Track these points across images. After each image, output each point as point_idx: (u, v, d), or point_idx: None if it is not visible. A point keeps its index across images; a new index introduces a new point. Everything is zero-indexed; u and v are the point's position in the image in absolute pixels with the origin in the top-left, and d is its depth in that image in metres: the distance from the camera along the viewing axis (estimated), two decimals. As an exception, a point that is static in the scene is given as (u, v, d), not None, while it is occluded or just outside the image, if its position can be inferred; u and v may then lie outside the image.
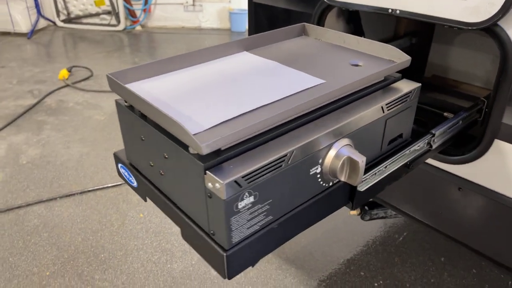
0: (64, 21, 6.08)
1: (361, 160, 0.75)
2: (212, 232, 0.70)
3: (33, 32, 5.74)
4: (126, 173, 0.92)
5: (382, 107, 0.84)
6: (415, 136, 1.00)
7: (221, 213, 0.64)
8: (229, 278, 0.72)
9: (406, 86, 0.91)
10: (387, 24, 1.64)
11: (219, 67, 0.93)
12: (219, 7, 5.98)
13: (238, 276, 2.02)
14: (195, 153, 0.65)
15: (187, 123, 0.69)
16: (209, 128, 0.69)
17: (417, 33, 1.67)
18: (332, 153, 0.77)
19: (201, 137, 0.65)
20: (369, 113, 0.82)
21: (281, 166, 0.69)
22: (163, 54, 5.31)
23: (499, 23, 0.95)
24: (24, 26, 5.66)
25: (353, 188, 0.86)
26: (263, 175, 0.67)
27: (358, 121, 0.81)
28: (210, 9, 6.07)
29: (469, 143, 1.12)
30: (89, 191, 2.67)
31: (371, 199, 1.60)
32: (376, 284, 1.99)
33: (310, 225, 0.83)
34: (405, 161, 0.97)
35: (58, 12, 6.04)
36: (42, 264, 2.12)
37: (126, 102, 0.80)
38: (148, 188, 0.85)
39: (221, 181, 0.61)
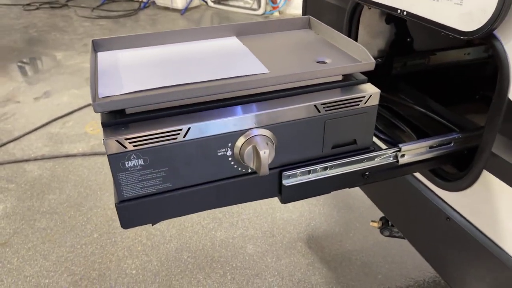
0: (214, 2, 6.68)
1: (263, 151, 0.76)
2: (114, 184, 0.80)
3: (186, 9, 6.46)
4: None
5: (316, 106, 0.81)
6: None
7: (111, 167, 0.74)
8: (123, 228, 0.82)
9: (363, 90, 0.85)
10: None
11: (194, 47, 1.01)
12: (358, 0, 5.82)
13: (268, 260, 2.09)
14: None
15: (111, 87, 0.80)
16: (127, 93, 0.78)
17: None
18: (242, 139, 0.79)
19: (108, 99, 0.76)
20: (299, 109, 0.81)
21: (175, 139, 0.75)
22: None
23: (495, 32, 0.80)
24: (180, 3, 6.42)
25: (280, 181, 0.87)
26: (153, 143, 0.74)
27: (283, 115, 0.80)
28: (350, 2, 5.94)
29: (464, 167, 0.97)
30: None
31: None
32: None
33: (226, 204, 0.87)
34: (361, 169, 0.91)
35: (211, -7, 6.66)
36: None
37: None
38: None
39: (104, 138, 0.71)
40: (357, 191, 2.59)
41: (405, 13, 1.00)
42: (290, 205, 2.49)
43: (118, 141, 0.72)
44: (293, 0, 6.26)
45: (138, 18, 6.22)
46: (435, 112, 1.22)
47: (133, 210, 0.80)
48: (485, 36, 0.81)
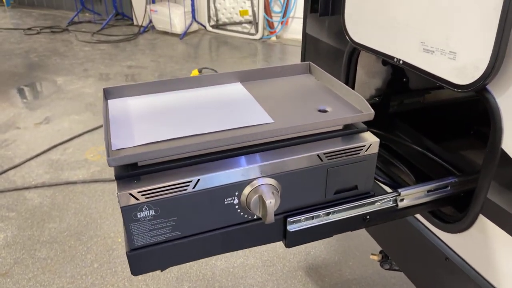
0: (212, 26, 6.81)
1: (269, 201, 0.80)
2: (125, 234, 0.83)
3: (185, 34, 6.58)
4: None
5: (319, 155, 0.86)
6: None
7: (124, 218, 0.78)
8: (133, 275, 0.84)
9: (363, 139, 0.89)
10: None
11: (200, 94, 1.05)
12: (354, 26, 5.95)
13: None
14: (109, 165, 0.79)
15: (123, 139, 0.84)
16: (139, 146, 0.82)
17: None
18: (248, 189, 0.83)
19: (121, 152, 0.79)
20: (303, 159, 0.85)
21: (185, 190, 0.79)
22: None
23: (489, 87, 0.85)
24: (179, 28, 6.53)
25: (285, 226, 0.90)
26: (164, 195, 0.78)
27: (288, 165, 0.84)
28: (345, 27, 6.07)
29: (461, 210, 1.01)
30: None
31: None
32: None
33: (234, 249, 0.90)
34: (362, 214, 0.94)
35: (209, 18, 6.79)
36: (118, 231, 2.51)
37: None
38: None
39: (118, 192, 0.74)
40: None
41: (401, 62, 1.05)
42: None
43: (131, 194, 0.75)
44: (290, 25, 6.40)
45: (138, 43, 6.32)
46: (432, 152, 1.26)
47: (143, 258, 0.83)
48: (478, 90, 0.86)
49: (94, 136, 3.60)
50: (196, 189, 0.79)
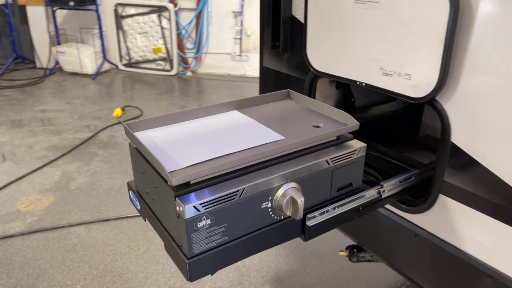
0: (125, 65, 6.79)
1: (300, 200, 0.99)
2: (180, 244, 0.95)
3: (97, 73, 6.46)
4: (133, 198, 1.20)
5: (327, 161, 1.07)
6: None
7: (184, 229, 0.90)
8: (191, 281, 0.95)
9: (353, 145, 1.14)
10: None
11: (211, 122, 1.21)
12: (263, 58, 6.44)
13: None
14: (170, 185, 0.91)
15: (169, 163, 0.96)
16: (185, 167, 0.96)
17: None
18: (280, 192, 1.01)
19: (175, 174, 0.92)
20: (315, 164, 1.06)
21: (233, 199, 0.94)
22: (208, 99, 5.78)
23: (437, 98, 1.16)
24: (90, 68, 6.41)
25: (304, 223, 1.09)
26: (218, 204, 0.92)
27: (305, 170, 1.04)
28: (255, 60, 6.53)
29: (423, 195, 1.30)
30: (123, 217, 3.00)
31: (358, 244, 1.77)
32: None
33: (265, 248, 1.06)
34: (356, 206, 1.17)
35: (121, 57, 6.77)
36: (74, 278, 2.43)
37: (134, 145, 1.10)
38: (146, 210, 1.12)
39: (184, 206, 0.87)
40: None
41: (364, 84, 1.33)
42: (249, 252, 2.67)
43: (195, 207, 0.88)
44: (204, 60, 6.67)
45: (46, 86, 6.05)
46: (385, 154, 1.56)
47: (199, 264, 0.95)
48: (429, 100, 1.17)
49: (22, 186, 3.39)
50: (242, 197, 0.95)
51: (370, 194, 1.20)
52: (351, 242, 1.90)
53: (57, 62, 6.57)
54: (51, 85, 6.11)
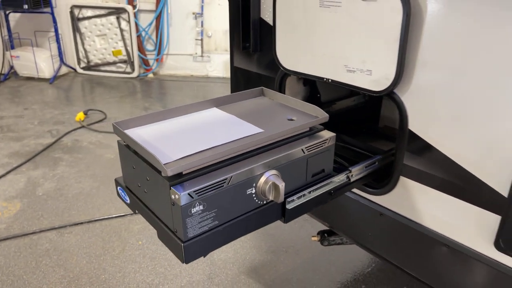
0: (83, 68, 6.67)
1: (281, 184, 1.10)
2: (175, 230, 1.04)
3: (55, 77, 6.31)
4: (122, 193, 1.27)
5: (302, 149, 1.20)
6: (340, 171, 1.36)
7: (180, 215, 0.99)
8: (186, 263, 1.05)
9: (325, 135, 1.27)
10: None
11: (194, 119, 1.31)
12: (225, 58, 6.53)
13: (220, 297, 2.31)
14: (165, 175, 1.00)
15: (161, 156, 1.05)
16: (177, 160, 1.05)
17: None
18: (262, 179, 1.12)
19: (169, 165, 1.01)
20: (292, 153, 1.18)
21: (222, 186, 1.04)
22: (171, 100, 5.80)
23: (395, 91, 1.31)
24: (47, 72, 6.25)
25: (284, 206, 1.20)
26: (209, 192, 1.02)
27: (284, 159, 1.16)
28: (217, 60, 6.62)
29: (386, 178, 1.46)
30: (95, 220, 3.01)
31: (330, 229, 1.92)
32: (341, 307, 2.26)
33: (251, 231, 1.17)
34: (328, 189, 1.31)
35: (79, 60, 6.64)
36: (51, 282, 2.43)
37: (124, 142, 1.17)
38: (137, 203, 1.20)
39: (179, 193, 0.96)
40: (275, 226, 3.01)
41: (330, 80, 1.47)
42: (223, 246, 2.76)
43: (189, 194, 0.98)
44: (166, 62, 6.67)
45: (1, 92, 5.84)
46: (349, 144, 1.71)
47: (193, 247, 1.04)
48: (388, 93, 1.32)
49: (-15, 194, 3.31)
50: (230, 184, 1.06)
51: (340, 178, 1.34)
52: (322, 229, 2.05)
53: (11, 67, 6.35)
54: (7, 90, 5.91)
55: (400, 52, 1.23)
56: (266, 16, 1.70)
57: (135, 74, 6.51)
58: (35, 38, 6.48)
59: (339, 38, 1.39)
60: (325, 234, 1.95)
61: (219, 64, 6.63)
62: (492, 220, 1.19)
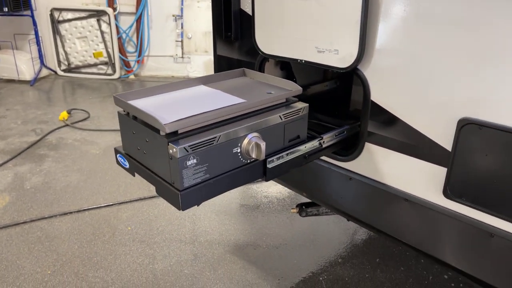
0: (64, 70, 6.73)
1: (262, 144, 1.29)
2: (173, 181, 1.21)
3: (35, 80, 6.35)
4: (121, 159, 1.44)
5: (280, 116, 1.39)
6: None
7: (177, 167, 1.16)
8: (183, 209, 1.22)
9: (299, 105, 1.47)
10: (318, 71, 2.24)
11: (184, 93, 1.48)
12: (205, 59, 6.71)
13: (207, 273, 2.47)
14: (163, 134, 1.18)
15: (160, 118, 1.22)
16: (172, 122, 1.22)
17: (340, 78, 2.28)
18: (246, 140, 1.31)
19: (166, 125, 1.19)
20: (272, 119, 1.37)
21: (212, 143, 1.22)
22: (153, 100, 5.90)
23: (359, 67, 1.53)
24: (28, 74, 6.29)
25: (265, 166, 1.39)
26: (201, 147, 1.20)
27: (264, 123, 1.35)
28: (198, 61, 6.78)
29: (353, 146, 1.67)
30: (84, 210, 3.13)
31: (310, 201, 2.12)
32: (320, 278, 2.45)
33: (237, 185, 1.35)
34: (303, 153, 1.50)
35: (59, 62, 6.70)
36: (44, 265, 2.54)
37: (124, 112, 1.34)
38: (136, 165, 1.37)
39: (176, 147, 1.14)
40: (257, 209, 3.19)
41: (303, 61, 1.67)
42: (209, 228, 2.93)
43: (184, 148, 1.16)
44: (146, 63, 6.80)
45: (-19, 94, 5.85)
46: (323, 121, 1.92)
47: (189, 196, 1.22)
48: (352, 69, 1.53)
49: (-27, 189, 3.38)
50: (218, 142, 1.24)
51: (314, 144, 1.54)
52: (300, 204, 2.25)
53: (-10, 70, 6.36)
54: (-13, 93, 5.92)
55: (361, 32, 1.44)
56: (246, 7, 1.90)
57: (116, 76, 6.61)
58: (15, 41, 6.52)
59: (310, 23, 1.59)
60: (303, 206, 2.15)
61: (199, 65, 6.80)
62: (441, 173, 1.40)
